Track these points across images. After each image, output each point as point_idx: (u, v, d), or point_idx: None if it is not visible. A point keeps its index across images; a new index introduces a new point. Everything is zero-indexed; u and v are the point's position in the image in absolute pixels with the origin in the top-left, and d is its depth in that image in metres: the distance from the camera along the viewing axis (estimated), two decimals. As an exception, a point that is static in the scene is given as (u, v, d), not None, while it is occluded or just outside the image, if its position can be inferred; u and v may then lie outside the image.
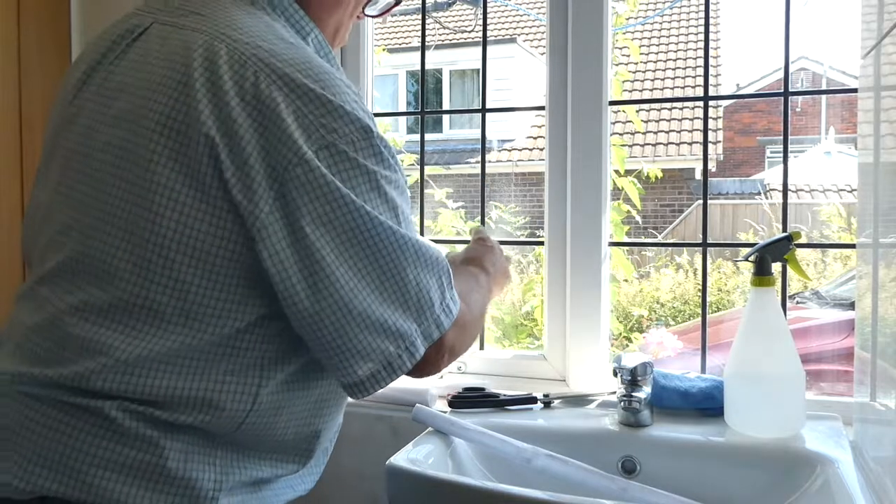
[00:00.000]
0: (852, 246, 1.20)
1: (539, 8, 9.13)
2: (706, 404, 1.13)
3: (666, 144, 8.54)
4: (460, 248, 1.32)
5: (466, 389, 1.25)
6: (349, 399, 0.87)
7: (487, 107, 1.46)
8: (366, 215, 0.72)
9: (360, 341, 0.73)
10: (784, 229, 1.21)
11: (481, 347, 1.44)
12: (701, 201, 1.34)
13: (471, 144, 8.94)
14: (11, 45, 1.46)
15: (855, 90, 1.12)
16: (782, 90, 1.25)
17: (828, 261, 6.07)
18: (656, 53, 9.37)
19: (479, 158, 1.50)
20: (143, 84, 0.75)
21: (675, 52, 9.35)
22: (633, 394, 1.10)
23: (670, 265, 6.61)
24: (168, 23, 0.79)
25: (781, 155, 1.31)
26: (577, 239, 1.31)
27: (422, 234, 1.60)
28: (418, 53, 1.56)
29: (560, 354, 1.35)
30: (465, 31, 9.10)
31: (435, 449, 1.03)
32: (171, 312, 0.72)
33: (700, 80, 8.49)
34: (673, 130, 8.65)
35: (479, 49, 1.47)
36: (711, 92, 1.96)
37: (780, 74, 1.78)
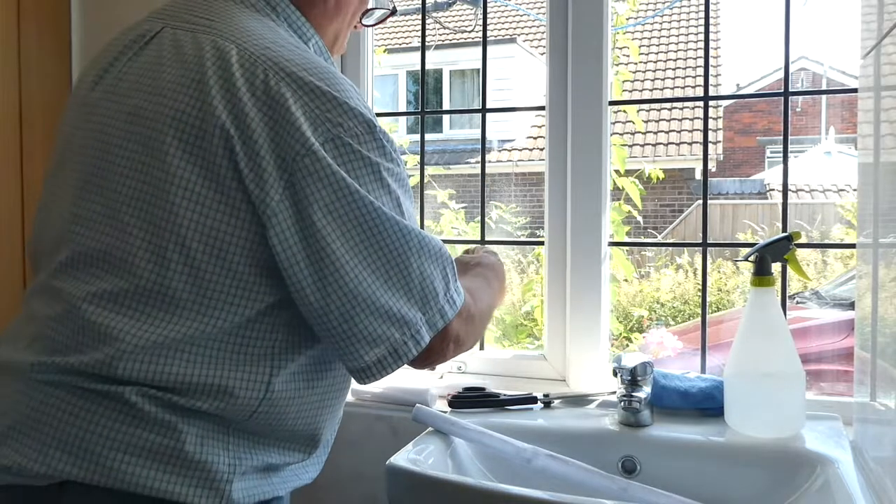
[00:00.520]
0: (852, 246, 1.20)
1: (539, 8, 9.13)
2: (706, 404, 1.13)
3: (666, 144, 8.54)
4: (460, 248, 1.33)
5: (466, 389, 1.25)
6: (349, 397, 0.88)
7: (487, 107, 1.46)
8: (370, 204, 0.75)
9: (367, 327, 0.76)
10: (784, 229, 1.21)
11: (481, 347, 1.44)
12: (701, 201, 1.34)
13: (471, 144, 8.94)
14: (11, 45, 1.46)
15: (855, 90, 1.12)
16: (782, 90, 1.25)
17: (829, 261, 6.07)
18: (656, 53, 9.37)
19: (479, 158, 1.50)
20: (157, 83, 0.79)
21: (675, 52, 9.34)
22: (633, 394, 1.10)
23: (670, 266, 6.61)
24: (179, 27, 0.83)
25: (781, 155, 1.31)
26: (577, 239, 1.31)
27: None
28: (418, 53, 1.56)
29: (560, 354, 1.35)
30: (465, 31, 9.10)
31: (435, 449, 1.03)
32: (186, 299, 0.75)
33: (700, 80, 8.49)
34: (673, 130, 8.65)
35: (479, 49, 1.47)
36: (711, 92, 1.96)
37: (780, 74, 1.78)
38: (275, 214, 0.74)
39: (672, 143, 8.53)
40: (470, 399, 1.20)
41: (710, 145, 1.37)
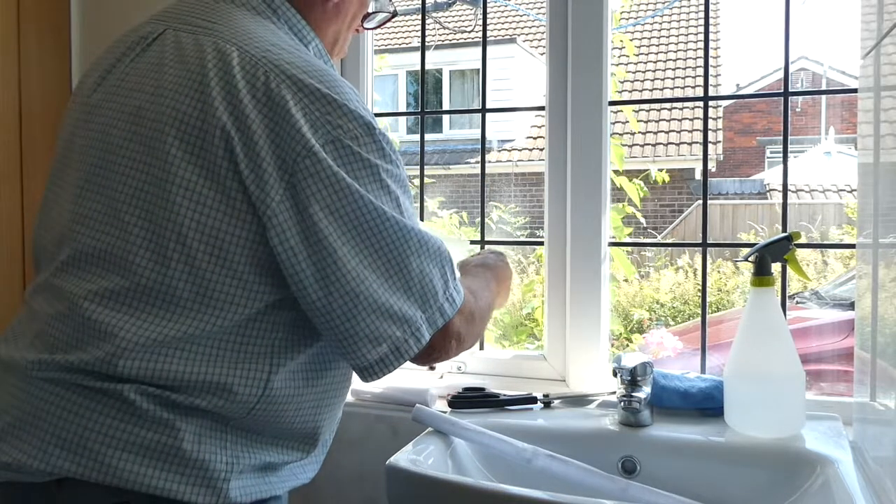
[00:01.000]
0: (852, 246, 1.21)
1: (539, 8, 9.14)
2: (706, 404, 1.13)
3: (666, 144, 8.54)
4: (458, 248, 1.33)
5: (466, 389, 1.25)
6: (349, 398, 0.89)
7: (487, 107, 1.46)
8: (370, 204, 0.77)
9: (368, 325, 0.77)
10: (784, 229, 1.21)
11: (481, 347, 1.44)
12: (701, 201, 1.34)
13: (471, 144, 8.94)
14: (11, 45, 1.46)
15: (855, 90, 1.12)
16: (782, 90, 1.25)
17: (829, 261, 6.07)
18: (656, 53, 9.37)
19: (479, 158, 1.50)
20: (159, 84, 0.80)
21: (675, 52, 9.35)
22: (633, 394, 1.10)
23: (670, 266, 6.61)
24: (181, 29, 0.84)
25: (781, 155, 1.31)
26: (577, 239, 1.31)
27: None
28: (418, 53, 1.56)
29: (560, 354, 1.35)
30: (465, 31, 9.11)
31: (435, 449, 1.03)
32: (186, 298, 0.75)
33: (700, 80, 8.49)
34: (673, 130, 8.65)
35: (479, 49, 1.47)
36: (711, 92, 1.96)
37: (780, 74, 1.78)
38: (275, 215, 0.74)
39: (672, 143, 8.53)
40: (470, 399, 1.20)
41: (710, 145, 1.37)
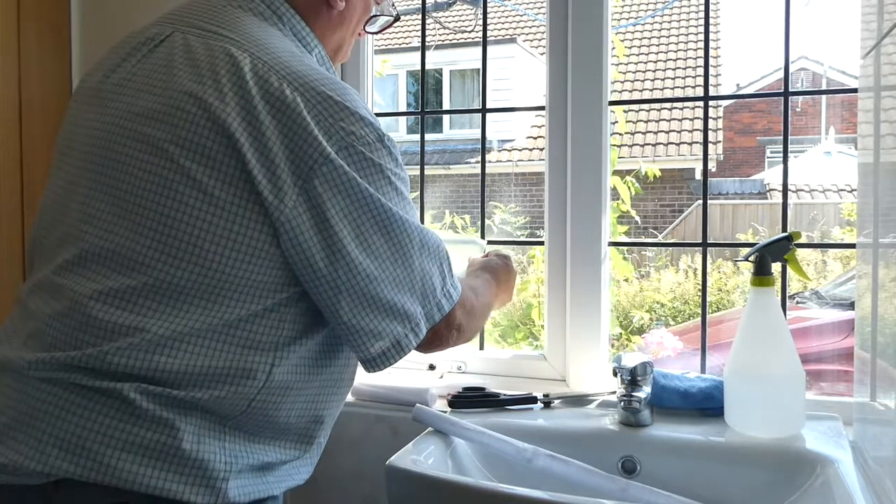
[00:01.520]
0: (852, 246, 1.21)
1: (539, 8, 9.14)
2: (706, 404, 1.13)
3: (666, 144, 8.54)
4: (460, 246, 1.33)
5: (466, 389, 1.25)
6: (349, 398, 0.90)
7: (487, 107, 1.46)
8: (382, 206, 0.81)
9: (372, 321, 0.81)
10: (784, 229, 1.21)
11: (481, 347, 1.44)
12: (701, 201, 1.34)
13: (471, 144, 8.94)
14: (11, 45, 1.46)
15: (855, 90, 1.12)
16: (782, 90, 1.25)
17: (829, 261, 6.07)
18: (656, 53, 9.37)
19: (479, 158, 1.50)
20: (168, 85, 0.80)
21: (675, 52, 9.34)
22: (633, 394, 1.10)
23: (671, 266, 6.61)
24: (190, 32, 0.84)
25: (781, 155, 1.31)
26: (577, 239, 1.31)
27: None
28: (418, 53, 1.56)
29: (560, 354, 1.35)
30: (465, 31, 9.11)
31: (435, 449, 1.03)
32: (194, 294, 0.77)
33: (700, 80, 8.49)
34: (673, 130, 8.65)
35: (479, 49, 1.47)
36: (711, 92, 1.96)
37: (780, 74, 1.78)
38: (289, 220, 0.77)
39: (672, 143, 8.53)
40: (470, 399, 1.20)
41: (710, 145, 1.37)
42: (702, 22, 3.30)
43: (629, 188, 2.21)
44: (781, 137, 1.31)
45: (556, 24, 1.34)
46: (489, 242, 1.44)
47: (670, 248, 7.30)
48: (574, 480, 0.97)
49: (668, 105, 8.82)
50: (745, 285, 5.59)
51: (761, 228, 7.37)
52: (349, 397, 1.29)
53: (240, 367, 0.78)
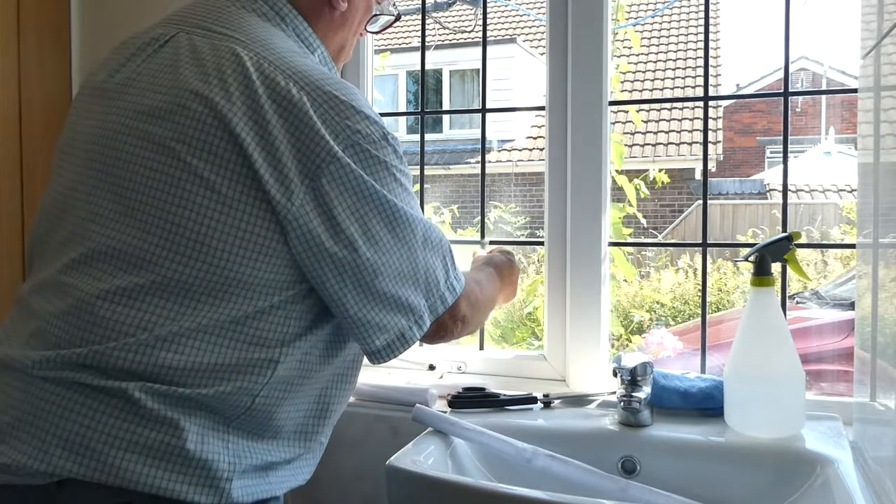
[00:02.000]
0: (852, 246, 1.20)
1: (539, 8, 9.13)
2: (706, 404, 1.13)
3: (666, 144, 8.53)
4: (461, 248, 1.33)
5: (466, 389, 1.25)
6: (350, 398, 0.90)
7: (487, 107, 1.46)
8: (388, 201, 0.82)
9: (378, 315, 0.83)
10: (784, 229, 1.21)
11: (481, 347, 1.44)
12: (701, 201, 1.34)
13: (471, 144, 8.94)
14: (11, 45, 1.46)
15: (855, 90, 1.12)
16: (782, 90, 1.25)
17: (829, 261, 6.07)
18: (656, 53, 9.37)
19: (479, 158, 1.50)
20: (175, 84, 0.81)
21: (675, 52, 9.34)
22: (633, 394, 1.10)
23: (670, 266, 6.61)
24: (195, 32, 0.85)
25: (781, 155, 1.31)
26: (577, 239, 1.31)
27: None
28: (418, 53, 1.56)
29: (560, 354, 1.35)
30: (465, 31, 9.10)
31: (435, 449, 1.03)
32: (202, 292, 0.77)
33: (700, 80, 8.49)
34: (673, 130, 8.65)
35: (479, 49, 1.47)
36: (711, 92, 1.96)
37: (780, 74, 1.78)
38: (296, 218, 0.78)
39: (672, 143, 8.53)
40: (470, 399, 1.20)
41: (710, 145, 1.37)
42: (702, 22, 3.30)
43: (637, 191, 2.20)
44: (781, 137, 1.31)
45: (556, 24, 1.34)
46: (490, 242, 1.44)
47: (670, 248, 7.30)
48: (574, 480, 0.97)
49: (668, 105, 8.82)
50: (745, 285, 5.59)
51: (760, 231, 7.37)
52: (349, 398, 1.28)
53: (245, 363, 0.78)
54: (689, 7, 9.89)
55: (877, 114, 0.96)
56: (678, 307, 5.95)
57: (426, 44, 1.55)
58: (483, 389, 1.25)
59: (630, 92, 8.70)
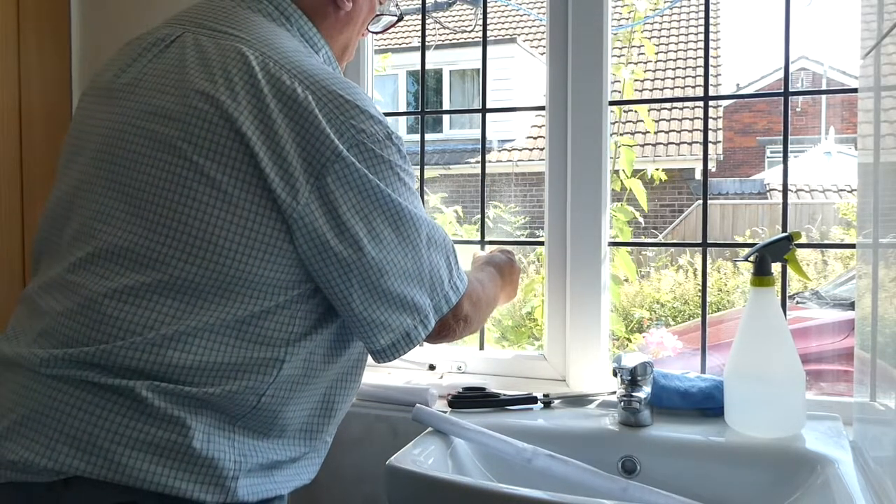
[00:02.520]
0: (852, 246, 1.20)
1: (539, 8, 9.13)
2: (706, 404, 1.13)
3: (666, 144, 8.53)
4: (462, 248, 1.33)
5: (466, 389, 1.25)
6: (353, 401, 0.91)
7: (487, 107, 1.46)
8: (393, 201, 0.83)
9: (383, 314, 0.83)
10: (784, 229, 1.21)
11: (481, 347, 1.44)
12: (701, 201, 1.34)
13: (471, 144, 8.94)
14: (11, 45, 1.46)
15: (855, 90, 1.12)
16: (782, 90, 1.25)
17: (829, 261, 6.07)
18: (656, 53, 9.37)
19: (479, 158, 1.50)
20: (181, 84, 0.81)
21: (675, 52, 9.34)
22: (633, 394, 1.10)
23: (670, 266, 6.61)
24: (201, 32, 0.85)
25: (781, 155, 1.31)
26: (577, 239, 1.31)
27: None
28: (418, 53, 1.56)
29: (560, 354, 1.35)
30: (465, 31, 9.10)
31: (435, 449, 1.03)
32: (209, 291, 0.77)
33: (700, 80, 8.49)
34: (673, 130, 8.65)
35: (479, 49, 1.47)
36: (711, 92, 1.96)
37: (780, 74, 1.78)
38: (302, 217, 0.78)
39: (672, 143, 8.53)
40: (470, 399, 1.20)
41: (710, 145, 1.37)
42: (702, 22, 3.30)
43: (630, 189, 2.19)
44: (781, 137, 1.31)
45: (556, 24, 1.34)
46: (489, 242, 1.44)
47: (670, 248, 7.30)
48: (574, 480, 0.97)
49: (668, 105, 8.82)
50: (745, 285, 5.59)
51: (760, 230, 7.37)
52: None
53: (251, 363, 0.79)
54: (689, 7, 9.89)
55: (877, 114, 0.96)
56: (678, 307, 5.95)
57: (426, 44, 1.55)
58: (483, 389, 1.25)
59: (640, 91, 8.70)
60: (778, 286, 1.13)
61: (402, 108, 7.35)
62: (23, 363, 0.79)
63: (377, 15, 1.05)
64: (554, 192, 1.35)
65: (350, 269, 0.80)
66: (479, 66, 1.49)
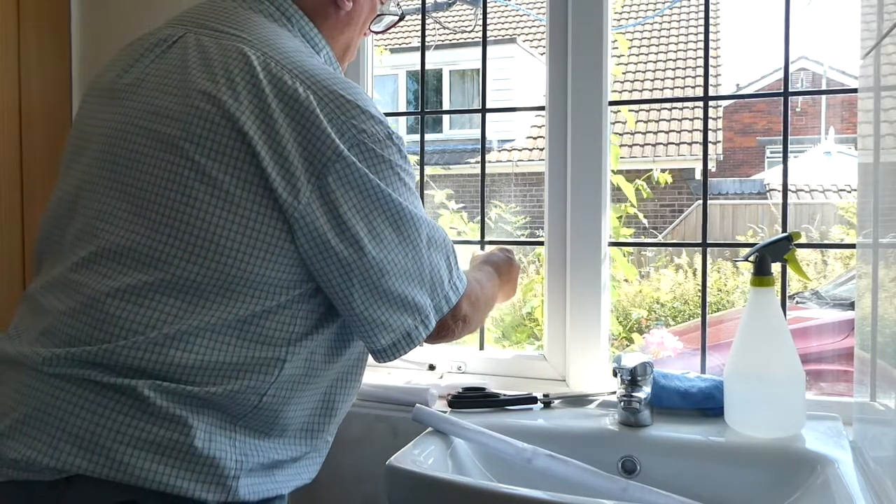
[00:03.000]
0: (852, 246, 1.20)
1: (539, 8, 9.13)
2: (706, 404, 1.13)
3: (666, 144, 8.53)
4: (461, 248, 1.33)
5: (466, 389, 1.25)
6: (353, 400, 0.94)
7: (487, 107, 1.46)
8: (393, 200, 0.83)
9: (384, 314, 0.84)
10: (784, 229, 1.21)
11: (481, 347, 1.44)
12: (701, 201, 1.34)
13: (471, 144, 8.94)
14: (11, 45, 1.46)
15: (855, 90, 1.12)
16: (782, 90, 1.25)
17: (829, 261, 6.07)
18: (656, 53, 9.37)
19: (479, 158, 1.50)
20: (183, 84, 0.81)
21: (675, 52, 9.34)
22: (633, 394, 1.10)
23: (670, 266, 6.61)
24: (202, 33, 0.86)
25: (781, 155, 1.31)
26: (577, 239, 1.31)
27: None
28: (418, 53, 1.56)
29: (560, 354, 1.35)
30: (465, 31, 9.10)
31: (435, 449, 1.03)
32: (210, 290, 0.78)
33: (700, 80, 8.49)
34: (673, 130, 8.65)
35: (479, 49, 1.47)
36: (711, 92, 1.96)
37: (780, 74, 1.78)
38: (303, 216, 0.78)
39: (672, 143, 8.53)
40: (470, 399, 1.20)
41: (710, 145, 1.37)
42: (702, 22, 3.30)
43: (642, 192, 2.20)
44: (781, 137, 1.31)
45: (556, 24, 1.34)
46: (490, 242, 1.44)
47: (670, 248, 7.30)
48: (574, 480, 0.97)
49: (668, 105, 8.82)
50: (745, 285, 5.59)
51: (760, 230, 7.37)
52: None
53: (253, 362, 0.79)
54: (689, 7, 9.89)
55: (877, 114, 0.96)
56: (678, 307, 5.95)
57: (426, 44, 1.55)
58: (483, 389, 1.25)
59: (630, 92, 8.70)
60: (778, 286, 1.13)
61: (402, 108, 7.35)
62: (25, 362, 0.79)
63: (378, 15, 1.05)
64: (554, 192, 1.35)
65: (351, 269, 0.81)
66: (479, 66, 1.49)
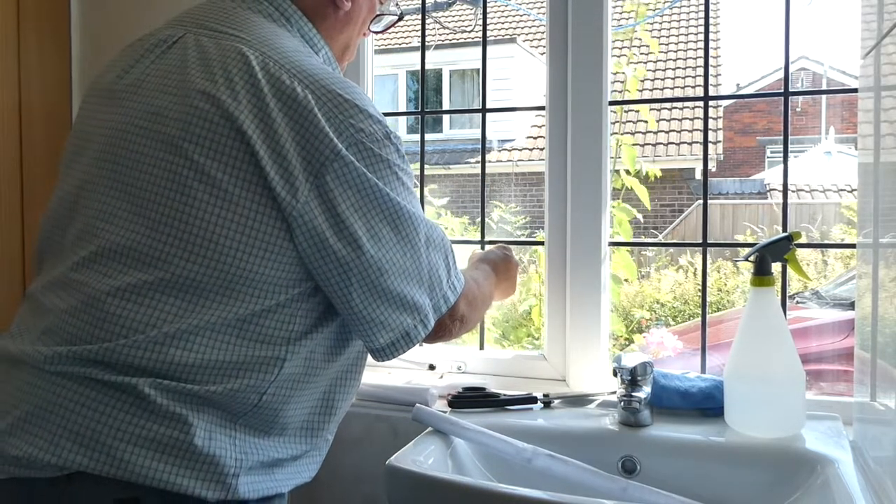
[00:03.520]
0: (852, 246, 1.20)
1: (539, 8, 9.13)
2: (706, 404, 1.13)
3: (666, 144, 8.54)
4: (461, 249, 1.33)
5: (466, 389, 1.25)
6: (353, 399, 0.94)
7: (487, 107, 1.46)
8: (391, 200, 0.83)
9: (383, 313, 0.84)
10: (784, 229, 1.21)
11: (481, 347, 1.44)
12: (701, 201, 1.34)
13: (471, 144, 8.94)
14: (11, 45, 1.46)
15: (855, 90, 1.12)
16: (782, 90, 1.25)
17: (829, 261, 6.07)
18: (657, 53, 9.37)
19: (479, 158, 1.50)
20: (183, 85, 0.82)
21: (675, 52, 9.34)
22: (633, 394, 1.10)
23: (670, 266, 6.61)
24: (202, 33, 0.86)
25: (781, 155, 1.31)
26: (577, 239, 1.31)
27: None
28: (418, 53, 1.56)
29: (560, 354, 1.35)
30: (465, 31, 9.10)
31: (435, 449, 1.03)
32: (210, 289, 0.78)
33: (700, 80, 8.49)
34: (673, 130, 8.65)
35: (479, 49, 1.47)
36: (711, 92, 1.96)
37: (780, 74, 1.78)
38: (301, 215, 0.79)
39: (672, 143, 8.53)
40: (470, 399, 1.20)
41: (710, 145, 1.37)
42: (702, 22, 3.30)
43: (630, 187, 2.19)
44: (781, 137, 1.31)
45: (556, 24, 1.34)
46: (490, 242, 1.44)
47: (670, 249, 7.30)
48: (574, 480, 0.97)
49: (668, 105, 8.82)
50: (745, 285, 5.59)
51: (759, 228, 7.37)
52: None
53: (253, 361, 0.79)
54: (689, 7, 9.89)
55: (877, 114, 0.96)
56: (678, 307, 5.95)
57: (426, 44, 1.55)
58: (483, 389, 1.25)
59: (640, 91, 8.70)
60: (778, 286, 1.13)
61: (402, 108, 7.34)
62: (27, 360, 0.80)
63: (377, 14, 1.05)
64: (554, 191, 1.35)
65: (349, 268, 0.81)
66: (479, 66, 1.49)
